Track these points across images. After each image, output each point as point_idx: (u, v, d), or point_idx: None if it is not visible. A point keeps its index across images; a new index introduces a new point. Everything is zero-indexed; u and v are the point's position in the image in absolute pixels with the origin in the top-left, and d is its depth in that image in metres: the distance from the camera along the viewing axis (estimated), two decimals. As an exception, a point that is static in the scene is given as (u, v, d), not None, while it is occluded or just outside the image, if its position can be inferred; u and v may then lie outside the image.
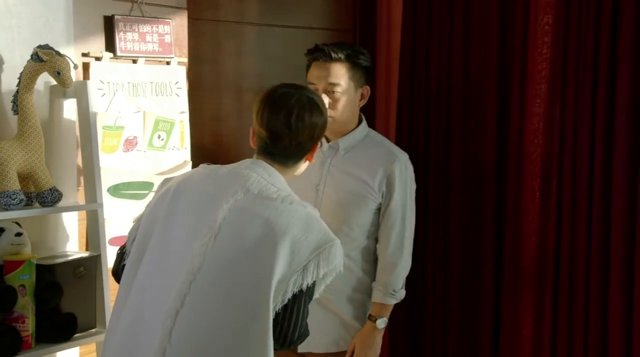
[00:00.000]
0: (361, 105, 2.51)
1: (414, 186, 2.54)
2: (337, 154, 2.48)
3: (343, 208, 2.43)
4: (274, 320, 1.67)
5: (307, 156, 1.93)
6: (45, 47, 2.05)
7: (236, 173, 1.79)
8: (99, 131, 2.28)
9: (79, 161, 2.30)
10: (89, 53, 2.36)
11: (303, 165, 1.95)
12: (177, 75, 2.60)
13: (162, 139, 2.56)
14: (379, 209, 2.48)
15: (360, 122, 2.52)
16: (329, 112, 2.21)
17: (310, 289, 1.74)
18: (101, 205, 2.23)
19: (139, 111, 2.49)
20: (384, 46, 3.34)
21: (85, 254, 2.24)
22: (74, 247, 2.33)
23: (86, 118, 2.20)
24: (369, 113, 3.04)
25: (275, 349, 1.69)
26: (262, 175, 1.80)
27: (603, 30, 2.59)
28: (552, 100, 2.77)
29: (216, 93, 2.79)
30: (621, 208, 2.59)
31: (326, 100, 2.35)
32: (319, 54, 2.41)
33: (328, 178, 2.46)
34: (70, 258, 2.18)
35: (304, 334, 1.79)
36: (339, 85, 2.40)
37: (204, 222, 1.69)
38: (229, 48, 2.84)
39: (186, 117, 2.62)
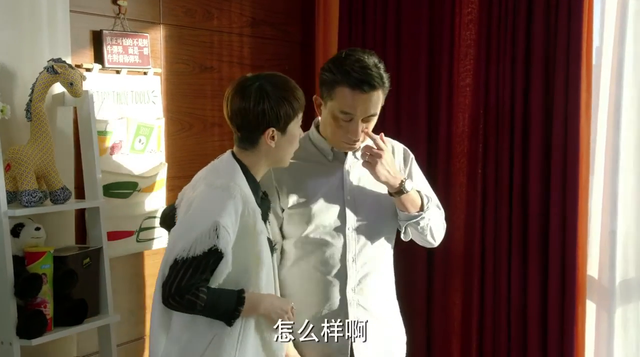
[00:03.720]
0: None
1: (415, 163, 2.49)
2: (355, 159, 2.34)
3: (376, 220, 2.34)
4: None
5: (265, 135, 2.05)
6: (59, 61, 2.28)
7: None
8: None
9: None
10: (81, 65, 2.58)
11: (267, 144, 2.06)
12: (153, 84, 2.86)
13: (142, 143, 2.81)
14: None
15: None
16: (360, 138, 2.21)
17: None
18: (103, 202, 2.47)
19: (122, 118, 2.73)
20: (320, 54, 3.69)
21: (88, 247, 2.48)
22: (71, 242, 2.56)
23: (88, 124, 2.45)
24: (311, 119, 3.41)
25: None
26: (214, 163, 2.17)
27: (518, 47, 3.09)
28: (476, 106, 3.24)
29: (189, 99, 3.06)
30: (536, 206, 3.08)
31: (361, 127, 2.21)
32: (356, 82, 2.16)
33: (355, 187, 2.34)
34: (79, 251, 2.42)
35: (182, 289, 1.95)
36: (376, 115, 2.25)
37: None
38: (201, 57, 3.11)
39: (162, 122, 2.89)
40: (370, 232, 2.33)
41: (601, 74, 3.02)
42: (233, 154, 2.14)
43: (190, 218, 2.04)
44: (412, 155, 2.46)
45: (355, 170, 2.34)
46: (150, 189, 2.83)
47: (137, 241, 2.81)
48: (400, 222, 2.36)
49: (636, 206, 2.98)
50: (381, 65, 2.22)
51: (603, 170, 3.04)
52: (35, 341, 2.20)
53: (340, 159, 2.34)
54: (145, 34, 2.81)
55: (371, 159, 2.21)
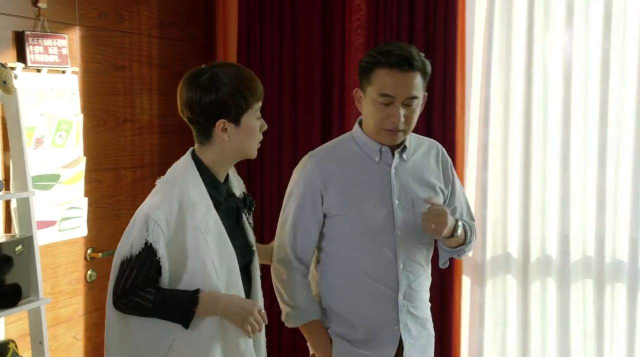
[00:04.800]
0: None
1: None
2: (401, 161, 2.31)
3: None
4: None
5: (217, 128, 2.00)
6: (-6, 61, 2.44)
7: None
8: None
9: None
10: (6, 64, 2.72)
11: (220, 137, 2.01)
12: (71, 82, 3.03)
13: (63, 138, 2.98)
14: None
15: None
16: (401, 126, 2.16)
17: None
18: (33, 193, 2.64)
19: (44, 114, 2.89)
20: (221, 53, 3.92)
21: (17, 236, 2.64)
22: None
23: (16, 120, 2.60)
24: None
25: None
26: (174, 163, 2.11)
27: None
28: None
29: (103, 97, 3.24)
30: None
31: (402, 112, 2.16)
32: (395, 60, 2.12)
33: (403, 190, 2.29)
34: (12, 238, 2.57)
35: (127, 290, 1.94)
36: (417, 98, 2.19)
37: None
38: (113, 57, 3.29)
39: (81, 118, 3.06)
40: (417, 235, 2.29)
41: (472, 76, 3.45)
42: (193, 152, 2.09)
43: (133, 218, 2.02)
44: (450, 160, 2.44)
45: (402, 172, 2.29)
46: (70, 181, 3.00)
47: (59, 230, 2.98)
48: (442, 252, 2.39)
49: (502, 194, 3.38)
50: (422, 54, 2.19)
51: (475, 163, 3.41)
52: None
53: (387, 160, 2.28)
54: (63, 35, 2.97)
55: (437, 228, 2.19)
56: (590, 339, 3.23)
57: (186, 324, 1.97)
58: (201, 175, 2.05)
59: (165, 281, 1.97)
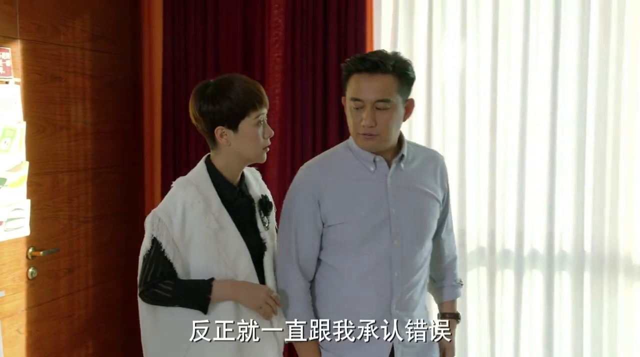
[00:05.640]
0: (405, 120, 2.32)
1: None
2: (398, 170, 2.32)
3: (419, 234, 2.33)
4: None
5: (217, 134, 2.22)
6: (-46, 72, 2.65)
7: None
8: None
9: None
10: (-45, 75, 2.93)
11: (222, 142, 2.24)
12: (14, 92, 3.24)
13: (7, 144, 3.18)
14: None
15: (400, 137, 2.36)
16: (372, 131, 2.18)
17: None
18: (-13, 194, 2.85)
19: (-10, 121, 3.10)
20: (146, 65, 4.18)
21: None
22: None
23: (-30, 127, 2.81)
24: (137, 118, 3.95)
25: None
26: None
27: (317, 62, 3.85)
28: (284, 110, 3.93)
29: (42, 105, 3.45)
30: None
31: (373, 116, 2.18)
32: (364, 65, 2.16)
33: (399, 200, 2.29)
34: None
35: (148, 283, 2.18)
36: (389, 101, 2.17)
37: None
38: (51, 68, 3.51)
39: (24, 126, 3.27)
40: (414, 244, 2.31)
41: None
42: (207, 157, 2.33)
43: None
44: (447, 172, 2.48)
45: (398, 181, 2.29)
46: (15, 184, 3.21)
47: (5, 230, 3.18)
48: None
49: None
50: (398, 56, 2.20)
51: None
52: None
53: (383, 169, 2.29)
54: (7, 48, 3.19)
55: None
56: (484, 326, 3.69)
57: (204, 310, 2.18)
58: (212, 177, 2.28)
59: (179, 272, 2.18)
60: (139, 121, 4.08)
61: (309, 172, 2.40)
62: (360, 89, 2.17)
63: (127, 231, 3.97)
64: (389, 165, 2.30)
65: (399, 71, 2.18)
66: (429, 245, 2.40)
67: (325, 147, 3.80)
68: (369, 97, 2.17)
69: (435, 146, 3.67)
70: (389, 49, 3.63)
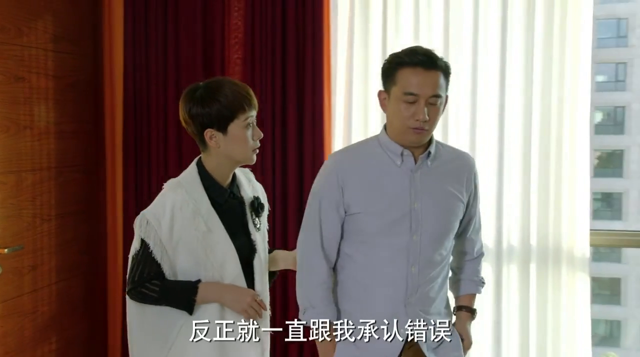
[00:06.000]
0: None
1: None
2: (424, 166, 2.32)
3: (439, 232, 2.32)
4: None
5: (206, 137, 2.23)
6: None
7: None
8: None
9: None
10: None
11: (211, 144, 2.25)
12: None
13: (-28, 143, 3.24)
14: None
15: None
16: (425, 125, 2.17)
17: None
18: (-45, 193, 2.90)
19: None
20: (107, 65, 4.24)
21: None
22: None
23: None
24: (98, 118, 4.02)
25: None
26: None
27: (276, 65, 3.96)
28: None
29: (7, 106, 3.50)
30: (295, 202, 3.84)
31: (426, 111, 2.18)
32: (420, 59, 2.17)
33: (423, 196, 2.29)
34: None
35: (135, 283, 2.22)
36: (440, 97, 2.21)
37: None
38: (14, 69, 3.55)
39: (-11, 125, 3.33)
40: (434, 240, 2.31)
41: (337, 87, 3.97)
42: (198, 160, 2.34)
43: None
44: (477, 173, 2.47)
45: (423, 177, 2.30)
46: (-19, 182, 3.27)
47: (-29, 228, 3.24)
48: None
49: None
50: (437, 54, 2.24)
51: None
52: None
53: (409, 164, 2.30)
54: (-31, 51, 3.24)
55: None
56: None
57: (189, 311, 2.23)
58: (202, 179, 2.29)
59: (166, 272, 2.22)
60: (101, 121, 4.15)
61: (336, 158, 2.43)
62: (416, 83, 2.18)
63: (88, 229, 4.03)
64: (416, 161, 2.32)
65: (446, 69, 2.25)
66: (448, 244, 2.39)
67: (284, 146, 3.93)
68: (425, 92, 2.19)
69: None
70: (345, 50, 3.91)
